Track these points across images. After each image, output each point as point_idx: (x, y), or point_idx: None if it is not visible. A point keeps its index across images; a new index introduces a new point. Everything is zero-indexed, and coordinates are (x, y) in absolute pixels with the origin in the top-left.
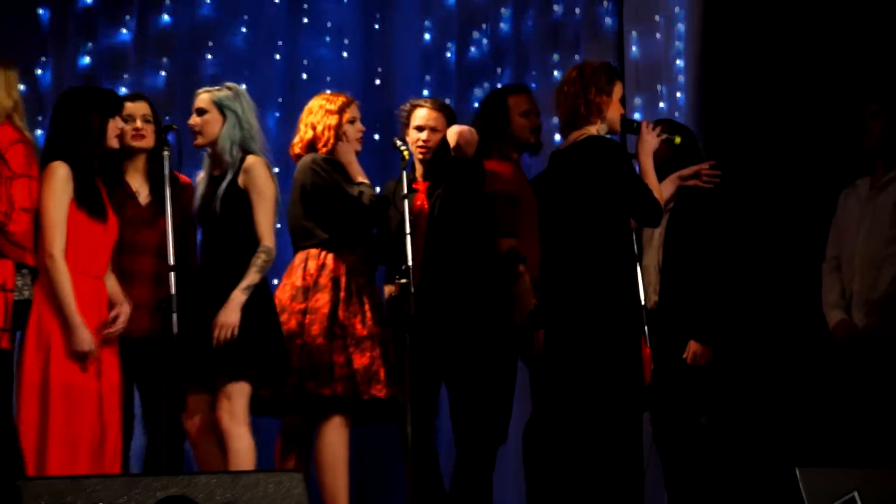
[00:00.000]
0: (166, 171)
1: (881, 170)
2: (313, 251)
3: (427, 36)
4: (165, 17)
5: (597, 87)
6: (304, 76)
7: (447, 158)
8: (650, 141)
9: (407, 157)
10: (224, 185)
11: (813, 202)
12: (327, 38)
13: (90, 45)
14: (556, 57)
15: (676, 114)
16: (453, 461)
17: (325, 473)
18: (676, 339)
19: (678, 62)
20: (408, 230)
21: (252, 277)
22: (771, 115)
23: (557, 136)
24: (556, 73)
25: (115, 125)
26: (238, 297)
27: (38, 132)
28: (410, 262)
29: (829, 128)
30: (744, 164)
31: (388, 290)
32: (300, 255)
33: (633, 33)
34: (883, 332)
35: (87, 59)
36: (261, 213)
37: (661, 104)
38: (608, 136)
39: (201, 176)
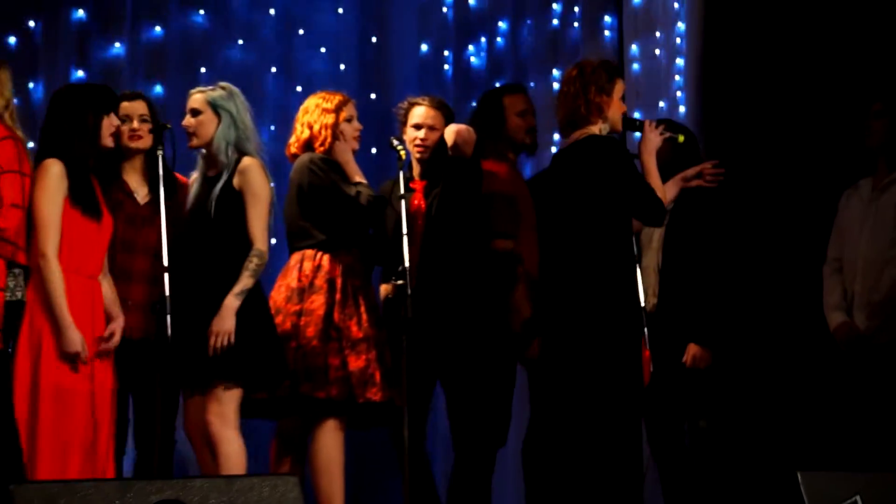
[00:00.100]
0: (160, 171)
1: (884, 170)
2: (309, 252)
3: (424, 47)
4: (158, 30)
5: (597, 87)
6: (299, 89)
7: (444, 157)
8: (653, 139)
9: (404, 156)
10: (219, 186)
11: (813, 203)
12: (322, 50)
13: (84, 58)
14: (555, 72)
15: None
16: (451, 464)
17: (321, 477)
18: (675, 341)
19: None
20: (405, 230)
21: (245, 282)
22: (771, 116)
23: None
24: (555, 85)
25: (110, 122)
26: (232, 302)
27: (30, 145)
28: (407, 263)
29: (829, 128)
30: (743, 164)
31: (384, 290)
32: (296, 256)
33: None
34: (885, 335)
35: (80, 73)
36: (254, 216)
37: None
38: (610, 134)
39: (195, 176)
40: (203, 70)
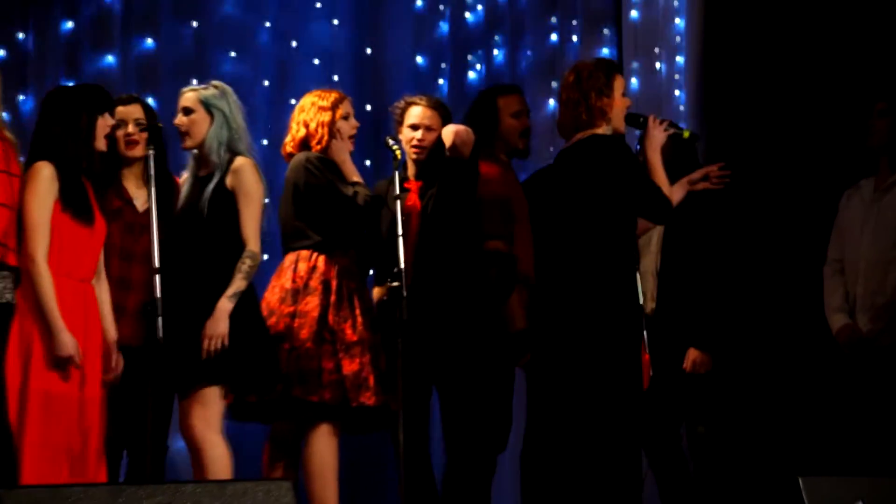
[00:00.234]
0: (152, 171)
1: (886, 170)
2: (304, 253)
3: (420, 60)
4: (149, 42)
5: (597, 91)
6: (293, 101)
7: (441, 158)
8: (657, 136)
9: (399, 156)
10: (211, 186)
11: (814, 204)
12: (316, 62)
13: (74, 70)
14: (553, 84)
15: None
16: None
17: (314, 482)
18: (674, 345)
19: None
20: (400, 231)
21: (238, 284)
22: (770, 116)
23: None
24: (552, 103)
25: (104, 123)
26: (225, 305)
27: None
28: (402, 265)
29: (828, 128)
30: (743, 165)
31: (377, 293)
32: (290, 257)
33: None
34: (888, 338)
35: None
36: (247, 216)
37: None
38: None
39: (185, 176)
40: (195, 82)
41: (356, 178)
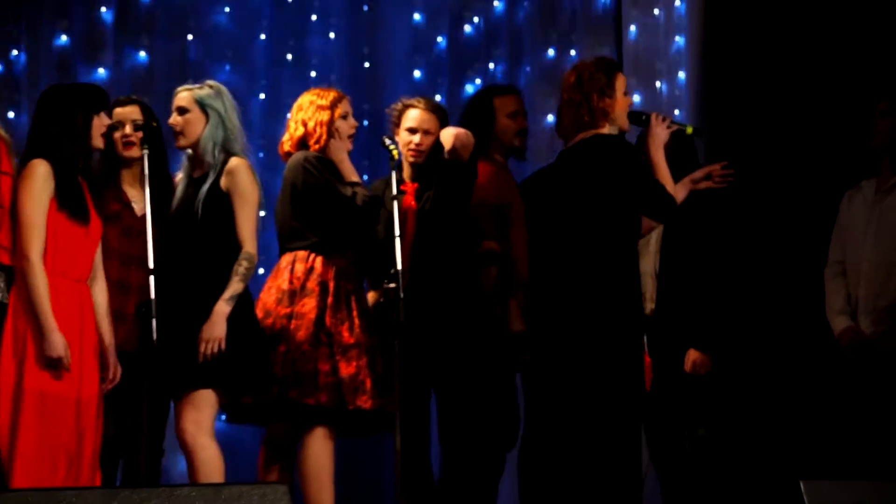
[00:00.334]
0: (146, 171)
1: (888, 171)
2: (301, 253)
3: (417, 73)
4: (142, 55)
5: (598, 92)
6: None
7: (438, 161)
8: (660, 133)
9: (396, 156)
10: (206, 187)
11: (814, 204)
12: (313, 75)
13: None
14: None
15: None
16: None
17: (310, 485)
18: (673, 347)
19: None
20: (397, 232)
21: (235, 287)
22: (770, 116)
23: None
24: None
25: (100, 122)
26: (222, 308)
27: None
28: (399, 266)
29: (828, 129)
30: (743, 166)
31: (372, 297)
32: (287, 257)
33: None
34: (891, 340)
35: None
36: (243, 218)
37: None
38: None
39: (179, 177)
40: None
41: (354, 177)
